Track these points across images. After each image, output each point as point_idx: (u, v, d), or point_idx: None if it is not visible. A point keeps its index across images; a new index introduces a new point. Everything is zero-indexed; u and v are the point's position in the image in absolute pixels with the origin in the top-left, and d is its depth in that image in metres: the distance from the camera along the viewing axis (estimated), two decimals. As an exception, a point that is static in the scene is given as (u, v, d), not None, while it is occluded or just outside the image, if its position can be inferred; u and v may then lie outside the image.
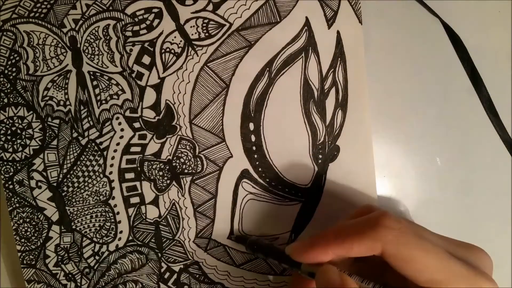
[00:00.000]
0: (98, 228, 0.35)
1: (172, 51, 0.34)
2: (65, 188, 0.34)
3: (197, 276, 0.35)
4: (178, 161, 0.34)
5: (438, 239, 0.27)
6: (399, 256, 0.25)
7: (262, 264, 0.35)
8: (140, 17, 0.33)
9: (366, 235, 0.26)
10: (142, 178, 0.34)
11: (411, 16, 0.35)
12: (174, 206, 0.35)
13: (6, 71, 0.34)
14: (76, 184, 0.34)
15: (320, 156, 0.35)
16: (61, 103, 0.34)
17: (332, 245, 0.27)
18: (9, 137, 0.34)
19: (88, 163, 0.34)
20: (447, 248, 0.26)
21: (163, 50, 0.34)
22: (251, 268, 0.35)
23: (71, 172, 0.34)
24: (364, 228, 0.26)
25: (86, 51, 0.34)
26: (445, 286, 0.25)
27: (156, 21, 0.33)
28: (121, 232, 0.35)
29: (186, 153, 0.34)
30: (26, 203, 0.34)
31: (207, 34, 0.34)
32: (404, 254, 0.25)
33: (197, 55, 0.34)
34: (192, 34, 0.34)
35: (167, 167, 0.34)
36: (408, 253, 0.25)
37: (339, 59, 0.34)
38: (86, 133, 0.34)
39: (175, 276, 0.35)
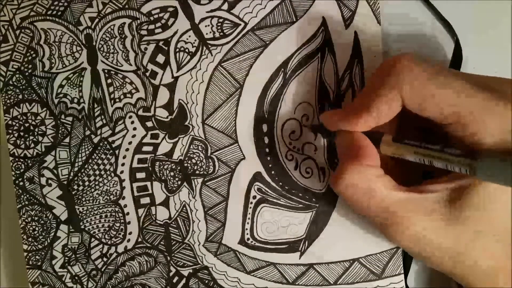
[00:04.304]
0: (107, 228, 0.34)
1: (187, 50, 0.33)
2: (75, 187, 0.34)
3: (207, 281, 0.34)
4: (189, 162, 0.34)
5: (462, 74, 0.25)
6: (416, 96, 0.24)
7: (273, 271, 0.34)
8: (156, 16, 0.33)
9: (383, 90, 0.25)
10: (153, 178, 0.34)
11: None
12: (184, 208, 0.34)
13: (22, 68, 0.34)
14: (86, 183, 0.34)
15: (336, 160, 0.34)
16: (75, 100, 0.34)
17: (360, 117, 0.26)
18: (21, 133, 0.34)
19: (99, 161, 0.34)
20: (474, 82, 0.24)
21: (177, 49, 0.33)
22: (262, 275, 0.34)
23: (82, 170, 0.34)
24: (380, 85, 0.25)
25: (101, 49, 0.34)
26: (469, 120, 0.23)
27: (171, 20, 0.33)
28: (130, 233, 0.34)
29: (198, 154, 0.34)
30: (35, 200, 0.34)
31: (221, 34, 0.33)
32: (421, 91, 0.24)
33: (211, 55, 0.33)
34: (207, 34, 0.33)
35: (179, 168, 0.34)
36: (424, 90, 0.24)
37: (356, 60, 0.33)
38: (98, 131, 0.34)
39: (183, 280, 0.34)
